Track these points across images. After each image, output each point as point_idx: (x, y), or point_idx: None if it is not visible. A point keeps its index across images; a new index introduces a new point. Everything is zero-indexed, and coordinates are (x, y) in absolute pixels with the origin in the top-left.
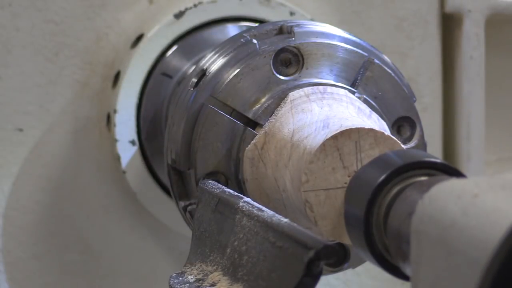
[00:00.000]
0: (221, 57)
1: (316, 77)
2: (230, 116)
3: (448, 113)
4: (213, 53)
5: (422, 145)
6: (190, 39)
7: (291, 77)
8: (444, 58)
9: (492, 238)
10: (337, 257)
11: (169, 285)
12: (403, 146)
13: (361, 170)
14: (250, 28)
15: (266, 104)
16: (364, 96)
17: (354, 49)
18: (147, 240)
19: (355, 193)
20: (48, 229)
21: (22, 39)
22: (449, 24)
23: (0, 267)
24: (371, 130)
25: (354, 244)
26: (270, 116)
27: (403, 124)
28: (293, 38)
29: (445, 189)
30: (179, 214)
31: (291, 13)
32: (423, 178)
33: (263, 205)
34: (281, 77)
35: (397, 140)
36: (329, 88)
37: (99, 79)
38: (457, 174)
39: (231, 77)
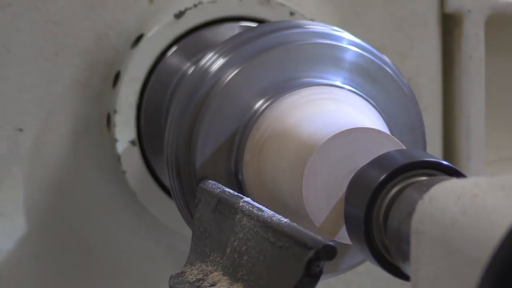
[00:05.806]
0: (221, 57)
1: (316, 77)
2: (230, 115)
3: (448, 113)
4: (213, 53)
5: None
6: (190, 39)
7: (292, 77)
8: (444, 58)
9: (492, 238)
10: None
11: (169, 285)
12: (403, 146)
13: (361, 170)
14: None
15: (267, 104)
16: (364, 96)
17: (354, 49)
18: (147, 240)
19: (355, 193)
20: (48, 229)
21: (22, 39)
22: (449, 24)
23: (0, 267)
24: (371, 130)
25: (354, 244)
26: (271, 116)
27: None
28: None
29: (445, 189)
30: (179, 214)
31: (291, 13)
32: (423, 178)
33: (263, 205)
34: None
35: (397, 140)
36: (329, 88)
37: (99, 79)
38: (457, 174)
39: (231, 76)
